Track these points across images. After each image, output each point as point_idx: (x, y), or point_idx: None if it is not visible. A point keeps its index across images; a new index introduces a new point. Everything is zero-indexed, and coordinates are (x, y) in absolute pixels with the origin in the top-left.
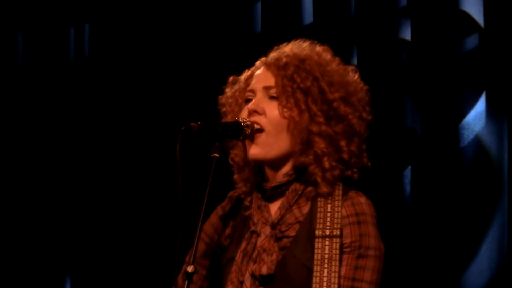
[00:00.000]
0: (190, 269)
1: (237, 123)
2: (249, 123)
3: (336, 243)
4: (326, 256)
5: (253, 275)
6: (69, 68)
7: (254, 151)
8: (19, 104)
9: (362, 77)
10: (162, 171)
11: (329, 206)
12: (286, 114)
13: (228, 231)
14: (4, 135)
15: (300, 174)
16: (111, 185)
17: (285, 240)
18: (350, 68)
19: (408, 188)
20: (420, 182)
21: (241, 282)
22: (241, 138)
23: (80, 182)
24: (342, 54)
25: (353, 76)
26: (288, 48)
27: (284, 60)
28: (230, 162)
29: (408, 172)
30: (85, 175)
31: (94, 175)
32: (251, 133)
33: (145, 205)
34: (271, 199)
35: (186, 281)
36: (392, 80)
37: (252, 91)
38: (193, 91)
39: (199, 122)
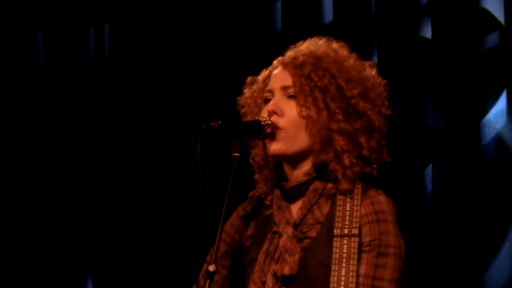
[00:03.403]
0: (211, 268)
1: (258, 122)
2: (269, 122)
3: (354, 242)
4: (344, 255)
5: (275, 275)
6: (89, 68)
7: (275, 147)
8: (40, 104)
9: (383, 76)
10: (183, 170)
11: (348, 205)
12: (304, 113)
13: (249, 231)
14: (25, 135)
15: (320, 172)
16: (133, 185)
17: (306, 240)
18: (367, 63)
19: (429, 186)
20: (441, 180)
21: (264, 283)
22: (261, 137)
23: (102, 182)
24: (363, 52)
25: (371, 72)
26: (305, 46)
27: (301, 59)
28: (251, 161)
29: (429, 170)
30: (106, 174)
31: (115, 174)
32: (272, 131)
33: (167, 204)
34: (291, 198)
35: (208, 280)
36: (413, 79)
37: (270, 91)
38: (213, 91)
39: (219, 122)
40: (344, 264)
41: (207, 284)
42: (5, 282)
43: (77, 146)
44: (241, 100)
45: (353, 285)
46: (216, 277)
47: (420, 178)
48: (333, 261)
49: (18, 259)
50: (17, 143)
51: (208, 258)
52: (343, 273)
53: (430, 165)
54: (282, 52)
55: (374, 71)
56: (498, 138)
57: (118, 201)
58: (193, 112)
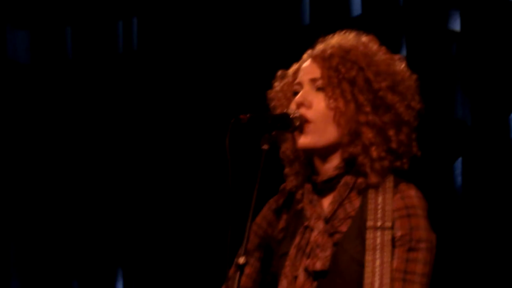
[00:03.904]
0: (241, 260)
1: (286, 115)
2: (297, 115)
3: (387, 235)
4: (378, 246)
5: (306, 270)
6: (118, 61)
7: (303, 140)
8: (70, 98)
9: (411, 69)
10: (213, 163)
11: (380, 198)
12: (332, 105)
13: (281, 224)
14: (55, 128)
15: (350, 166)
16: (164, 178)
17: (337, 235)
18: (397, 57)
19: (459, 179)
20: (471, 173)
21: (295, 277)
22: (290, 129)
23: (134, 174)
24: (391, 45)
25: (400, 65)
26: (334, 40)
27: (329, 51)
28: (281, 156)
29: (459, 163)
30: (138, 167)
31: (147, 168)
32: (300, 124)
33: (196, 198)
34: (322, 193)
35: (238, 273)
36: (442, 72)
37: (300, 84)
38: (243, 85)
39: (248, 115)
40: (378, 255)
41: (237, 276)
42: (38, 276)
43: (107, 138)
44: (271, 94)
45: (387, 275)
46: (248, 270)
47: (450, 171)
48: (366, 253)
49: (50, 252)
50: (49, 136)
51: (239, 251)
52: (377, 264)
53: (460, 159)
54: (311, 46)
55: (403, 65)
56: None
57: (149, 194)
58: (222, 106)
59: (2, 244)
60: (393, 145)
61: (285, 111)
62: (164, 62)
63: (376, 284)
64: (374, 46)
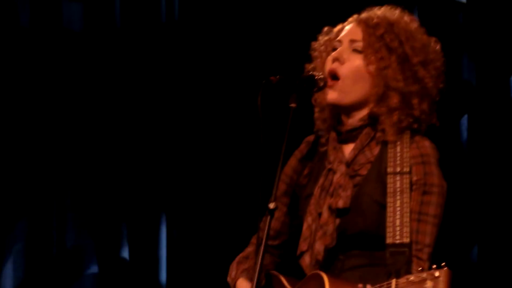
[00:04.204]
0: (272, 205)
1: (312, 76)
2: (322, 76)
3: (406, 178)
4: (398, 189)
5: (330, 208)
6: (161, 30)
7: (331, 96)
8: (117, 64)
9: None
10: (247, 120)
11: (398, 148)
12: (370, 68)
13: (306, 171)
14: (104, 89)
15: (373, 121)
16: (205, 133)
17: (358, 178)
18: (433, 39)
19: (465, 134)
20: (476, 129)
21: (319, 214)
22: (315, 90)
23: (178, 127)
24: None
25: (435, 46)
26: (381, 11)
27: (375, 20)
28: (313, 102)
29: (464, 120)
30: (182, 121)
31: (191, 123)
32: (324, 85)
33: (234, 150)
34: (345, 141)
35: (269, 216)
36: (450, 39)
37: (340, 41)
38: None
39: (278, 76)
40: (398, 197)
41: (268, 219)
42: (91, 219)
43: (150, 96)
44: (315, 45)
45: (407, 215)
46: (277, 214)
47: (457, 127)
48: (388, 195)
49: (101, 198)
50: (98, 94)
51: (271, 199)
52: (398, 205)
53: (466, 115)
54: (356, 10)
55: (438, 47)
56: None
57: (192, 145)
58: (256, 69)
59: (59, 193)
60: (415, 112)
61: (311, 73)
62: (202, 31)
63: (397, 222)
64: (415, 25)
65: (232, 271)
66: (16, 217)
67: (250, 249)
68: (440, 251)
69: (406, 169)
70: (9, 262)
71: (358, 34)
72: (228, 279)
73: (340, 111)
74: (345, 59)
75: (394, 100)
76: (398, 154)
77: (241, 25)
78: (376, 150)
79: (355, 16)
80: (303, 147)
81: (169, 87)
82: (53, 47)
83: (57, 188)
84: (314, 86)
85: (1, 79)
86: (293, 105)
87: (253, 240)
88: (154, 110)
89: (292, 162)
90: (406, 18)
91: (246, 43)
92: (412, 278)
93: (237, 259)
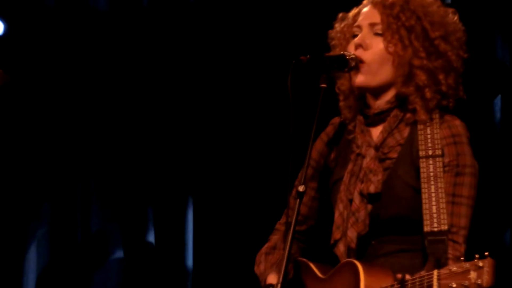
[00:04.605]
0: (301, 188)
1: (343, 56)
2: (353, 56)
3: (439, 161)
4: (432, 174)
5: (361, 194)
6: (187, 8)
7: (359, 79)
8: (143, 42)
9: (460, 17)
10: (275, 101)
11: (428, 129)
12: (391, 49)
13: (333, 155)
14: (130, 74)
15: (401, 102)
16: (230, 116)
17: (388, 161)
18: (450, 10)
19: (498, 114)
20: (509, 109)
21: (350, 200)
22: (346, 70)
23: (201, 113)
24: None
25: (453, 18)
26: None
27: (391, 0)
28: (337, 90)
29: (498, 100)
30: (204, 106)
31: (211, 107)
32: (356, 65)
33: (263, 131)
34: (373, 124)
35: (298, 200)
36: (485, 20)
37: (359, 26)
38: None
39: (308, 56)
40: (432, 183)
41: (297, 202)
42: (107, 206)
43: (177, 82)
44: (332, 34)
45: (443, 200)
46: (304, 198)
47: (490, 107)
48: (422, 180)
49: (127, 181)
50: (123, 82)
51: (296, 182)
52: (432, 190)
53: (499, 96)
54: None
55: (456, 18)
56: None
57: (219, 127)
58: (285, 47)
59: (83, 176)
60: (443, 87)
61: (341, 52)
62: (229, 10)
63: (434, 209)
64: None
65: (261, 264)
66: (40, 201)
67: (275, 237)
68: (473, 234)
69: (438, 152)
70: (33, 246)
71: (376, 17)
72: (256, 270)
73: (367, 94)
74: (368, 45)
75: (422, 77)
76: (429, 136)
77: (269, 4)
78: (406, 132)
79: None
80: (329, 130)
81: (196, 67)
82: (78, 26)
83: (81, 171)
84: (346, 66)
85: (28, 58)
86: (323, 85)
87: (278, 226)
88: (181, 92)
89: (319, 145)
90: None
91: (275, 21)
92: (454, 268)
93: (264, 249)
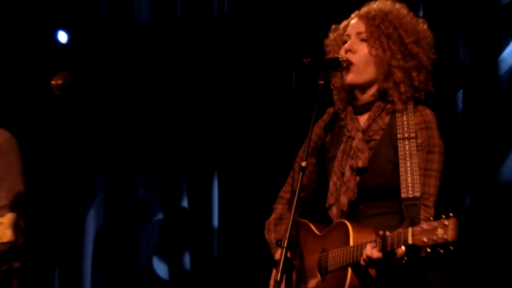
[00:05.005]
0: (303, 164)
1: (336, 59)
2: (344, 58)
3: (413, 142)
4: (407, 152)
5: (351, 168)
6: (213, 21)
7: (349, 77)
8: (178, 51)
9: (430, 27)
10: (284, 94)
11: (404, 116)
12: (373, 53)
13: (328, 137)
14: (168, 73)
15: (382, 95)
16: (249, 105)
17: (372, 142)
18: (421, 20)
19: (460, 105)
20: (469, 101)
21: (343, 173)
22: (339, 69)
23: (227, 103)
24: (412, 8)
25: (423, 26)
26: (375, 5)
27: (373, 13)
28: (331, 87)
29: (460, 94)
30: (229, 98)
31: (234, 98)
32: (346, 66)
33: (274, 119)
34: (360, 113)
35: (301, 173)
36: (449, 27)
37: (348, 35)
38: (307, 37)
39: (309, 58)
40: (408, 159)
41: (300, 175)
42: (151, 178)
43: (205, 78)
44: (327, 42)
45: (417, 174)
46: (306, 171)
47: (454, 99)
48: (399, 157)
49: (165, 158)
50: (162, 79)
51: (297, 159)
52: (408, 165)
53: (461, 90)
54: (358, 7)
55: (425, 26)
56: (511, 70)
57: (240, 115)
58: (291, 52)
59: (131, 154)
60: (416, 83)
61: (335, 56)
62: (247, 22)
63: (409, 180)
64: (404, 11)
65: (271, 232)
66: (96, 174)
67: (280, 206)
68: (440, 200)
69: (413, 135)
70: (92, 211)
71: (362, 27)
72: (266, 236)
73: (355, 89)
74: (355, 50)
75: (398, 75)
76: (405, 122)
77: (279, 19)
78: (387, 119)
79: (356, 12)
80: (326, 117)
81: (223, 67)
82: (126, 37)
83: (130, 150)
84: (338, 66)
85: (86, 61)
86: (321, 82)
87: (281, 194)
88: (210, 87)
89: (317, 129)
90: (397, 6)
91: (282, 33)
92: (425, 226)
93: (272, 220)
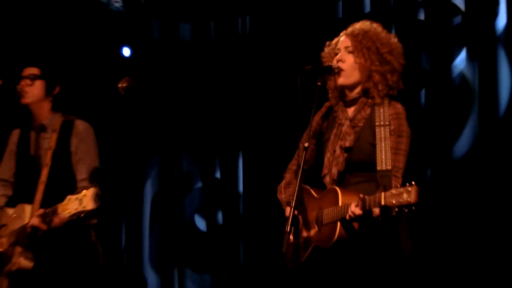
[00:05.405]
0: (306, 144)
1: (330, 66)
2: (336, 66)
3: (387, 129)
4: (383, 136)
5: (340, 147)
6: (238, 40)
7: (340, 80)
8: (214, 65)
9: (400, 41)
10: (293, 93)
11: (381, 109)
12: (357, 61)
13: (324, 124)
14: (206, 75)
15: (365, 93)
16: (268, 101)
17: (357, 128)
18: (392, 35)
19: (423, 100)
20: (431, 96)
21: (334, 151)
22: (332, 74)
23: (251, 100)
24: (385, 25)
25: (395, 40)
26: (358, 25)
27: (356, 31)
28: (327, 87)
29: (423, 91)
30: (252, 96)
31: (256, 95)
32: (338, 72)
33: (285, 110)
34: (349, 106)
35: (304, 151)
36: (414, 41)
37: (338, 49)
38: (309, 51)
39: (310, 66)
40: (383, 141)
41: (304, 153)
42: (192, 156)
43: (231, 81)
44: (323, 54)
45: (389, 152)
46: (308, 150)
47: (417, 96)
48: (377, 140)
49: (199, 142)
50: (200, 78)
51: (302, 140)
52: (383, 146)
53: (424, 89)
54: (345, 28)
55: (396, 39)
56: (461, 74)
57: (261, 108)
58: (298, 61)
59: (178, 138)
60: (390, 83)
61: (329, 64)
62: (266, 41)
63: (383, 156)
64: (380, 29)
65: (282, 194)
66: (152, 153)
67: (288, 174)
68: (406, 172)
69: (387, 123)
70: (148, 181)
71: (348, 42)
72: (278, 196)
73: (345, 88)
74: (344, 59)
75: (376, 77)
76: (382, 113)
77: (288, 38)
78: (368, 110)
79: (344, 31)
80: (323, 110)
81: (247, 73)
82: (173, 51)
83: (176, 136)
84: (332, 72)
85: (143, 70)
86: (319, 83)
87: (290, 166)
88: (235, 88)
89: (316, 118)
90: (375, 25)
91: (290, 47)
92: (394, 192)
93: (283, 185)
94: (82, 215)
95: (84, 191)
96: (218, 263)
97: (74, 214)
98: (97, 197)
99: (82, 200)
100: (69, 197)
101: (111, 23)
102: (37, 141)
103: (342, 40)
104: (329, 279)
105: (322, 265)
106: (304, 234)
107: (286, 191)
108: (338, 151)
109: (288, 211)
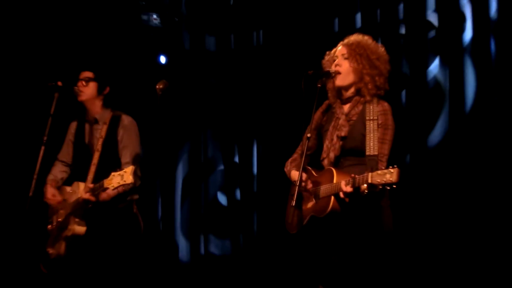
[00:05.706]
0: (308, 135)
1: (329, 71)
2: (334, 70)
3: (375, 122)
4: (372, 128)
5: (337, 136)
6: (253, 51)
7: (337, 82)
8: (233, 67)
9: (386, 50)
10: (298, 93)
11: (371, 106)
12: (352, 66)
13: (324, 118)
14: (231, 80)
15: (358, 92)
16: (279, 100)
17: (351, 121)
18: (380, 45)
19: (404, 99)
20: (411, 96)
21: (332, 139)
22: (330, 77)
23: (265, 99)
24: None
25: (382, 49)
26: (353, 37)
27: (351, 42)
28: (326, 88)
29: (404, 92)
30: (267, 96)
31: (271, 95)
32: (335, 75)
33: (292, 107)
34: (345, 103)
35: (307, 141)
36: (396, 50)
37: (336, 56)
38: (311, 59)
39: (312, 71)
40: (372, 133)
41: (306, 143)
42: (216, 144)
43: (251, 83)
44: (323, 61)
45: (376, 141)
46: (310, 140)
47: (399, 96)
48: (367, 131)
49: (221, 132)
50: (227, 77)
51: (306, 131)
52: (372, 136)
53: (404, 90)
54: (340, 40)
55: (383, 49)
56: (435, 77)
57: (273, 105)
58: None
59: (204, 129)
60: (378, 84)
61: (328, 69)
62: (277, 51)
63: (371, 144)
64: (370, 40)
65: (288, 166)
66: (183, 142)
67: (295, 155)
68: (391, 158)
69: (375, 118)
70: (180, 164)
71: (344, 50)
72: (285, 169)
73: (341, 89)
74: (341, 65)
75: (367, 79)
76: (371, 110)
77: (295, 48)
78: (360, 107)
79: (341, 42)
80: (323, 107)
81: (261, 77)
82: (200, 60)
83: (202, 128)
84: (330, 76)
85: (177, 73)
86: (319, 85)
87: (297, 150)
88: (251, 90)
89: (317, 114)
90: (366, 37)
91: (297, 56)
92: (379, 172)
93: (290, 160)
94: (123, 188)
95: (125, 169)
96: (236, 231)
97: (116, 188)
98: (136, 175)
99: (123, 176)
100: (113, 173)
101: (151, 36)
102: (91, 131)
103: (340, 49)
104: (323, 243)
105: (317, 231)
106: (304, 206)
107: (291, 165)
108: (335, 139)
109: (293, 189)
